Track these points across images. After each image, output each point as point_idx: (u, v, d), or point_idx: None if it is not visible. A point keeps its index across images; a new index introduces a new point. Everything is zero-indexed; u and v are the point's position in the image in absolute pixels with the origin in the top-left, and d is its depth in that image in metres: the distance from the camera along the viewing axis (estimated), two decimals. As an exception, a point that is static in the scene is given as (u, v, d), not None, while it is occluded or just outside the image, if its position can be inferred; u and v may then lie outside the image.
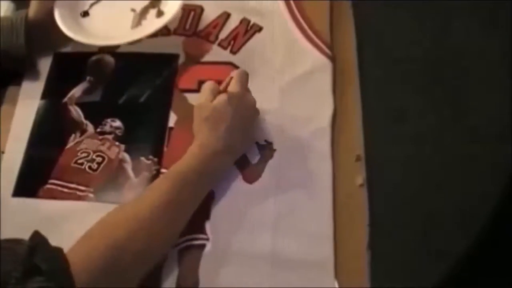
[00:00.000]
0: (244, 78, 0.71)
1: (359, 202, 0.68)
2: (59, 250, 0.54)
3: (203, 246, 0.67)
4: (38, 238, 0.55)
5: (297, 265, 0.65)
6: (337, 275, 0.64)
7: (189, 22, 0.85)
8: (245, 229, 0.68)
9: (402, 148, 0.72)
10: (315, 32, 0.82)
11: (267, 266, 0.65)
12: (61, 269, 0.52)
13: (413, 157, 0.72)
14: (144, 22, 0.83)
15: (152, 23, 0.81)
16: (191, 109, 0.74)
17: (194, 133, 0.70)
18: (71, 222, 0.69)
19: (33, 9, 0.80)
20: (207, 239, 0.67)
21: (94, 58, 0.84)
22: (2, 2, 0.91)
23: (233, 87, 0.69)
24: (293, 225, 0.68)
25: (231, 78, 0.71)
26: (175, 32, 0.85)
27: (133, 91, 0.80)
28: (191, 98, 0.78)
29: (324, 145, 0.73)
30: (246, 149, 0.72)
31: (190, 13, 0.86)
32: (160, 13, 0.83)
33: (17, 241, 0.53)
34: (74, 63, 0.84)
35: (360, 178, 0.70)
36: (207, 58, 0.82)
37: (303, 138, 0.74)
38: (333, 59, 0.79)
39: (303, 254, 0.66)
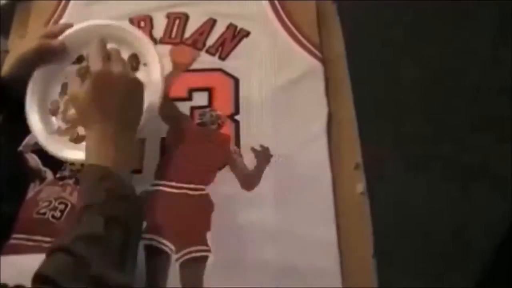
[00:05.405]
0: (100, 49, 0.64)
1: (362, 210, 0.67)
2: None
3: (205, 258, 0.65)
4: None
5: (301, 273, 0.64)
6: (343, 283, 0.63)
7: (174, 30, 0.84)
8: (247, 238, 0.66)
9: (401, 147, 0.72)
10: (303, 34, 0.81)
11: (271, 275, 0.63)
12: None
13: (413, 156, 0.71)
14: None
15: None
16: (182, 117, 0.72)
17: (82, 125, 0.65)
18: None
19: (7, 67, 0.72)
20: (209, 251, 0.65)
21: None
22: (2, 1, 0.90)
23: (93, 65, 0.62)
24: (295, 232, 0.66)
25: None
26: (162, 41, 0.83)
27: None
28: (182, 106, 0.76)
29: (320, 149, 0.71)
30: (139, 119, 0.65)
31: (175, 21, 0.84)
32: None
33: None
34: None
35: (360, 186, 0.69)
36: (195, 65, 0.80)
37: (299, 143, 0.72)
38: (323, 61, 0.78)
39: (307, 262, 0.64)
